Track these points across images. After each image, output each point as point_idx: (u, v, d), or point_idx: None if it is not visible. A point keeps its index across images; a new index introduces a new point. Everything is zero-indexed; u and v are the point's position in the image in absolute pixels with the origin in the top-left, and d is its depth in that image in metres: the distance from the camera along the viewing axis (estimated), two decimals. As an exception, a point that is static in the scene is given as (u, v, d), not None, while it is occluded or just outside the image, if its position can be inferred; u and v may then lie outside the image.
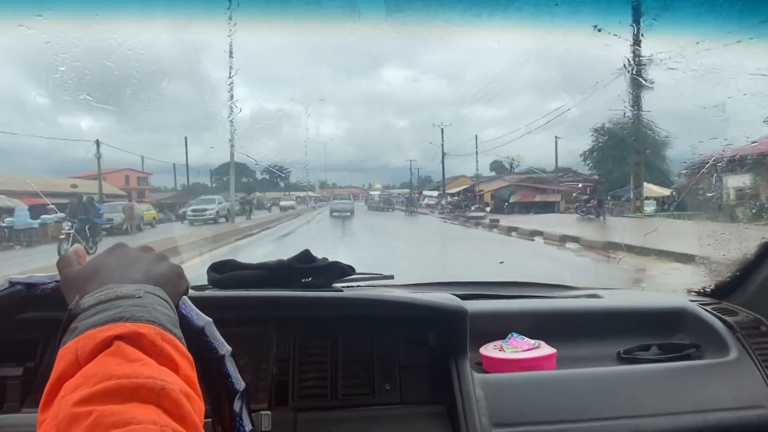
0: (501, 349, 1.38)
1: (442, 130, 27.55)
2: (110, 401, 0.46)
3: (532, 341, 1.39)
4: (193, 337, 0.66)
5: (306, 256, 1.38)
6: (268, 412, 1.16)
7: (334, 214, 24.15)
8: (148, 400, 0.47)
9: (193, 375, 0.54)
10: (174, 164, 28.25)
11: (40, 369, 1.20)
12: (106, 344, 0.51)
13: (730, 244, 1.62)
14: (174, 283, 0.66)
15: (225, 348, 0.68)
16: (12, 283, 0.73)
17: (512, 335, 1.41)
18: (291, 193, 30.13)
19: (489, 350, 1.39)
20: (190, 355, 0.56)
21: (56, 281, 0.69)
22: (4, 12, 1.14)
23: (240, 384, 0.69)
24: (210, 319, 0.70)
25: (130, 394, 0.47)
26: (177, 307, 0.65)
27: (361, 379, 1.28)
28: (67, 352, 0.51)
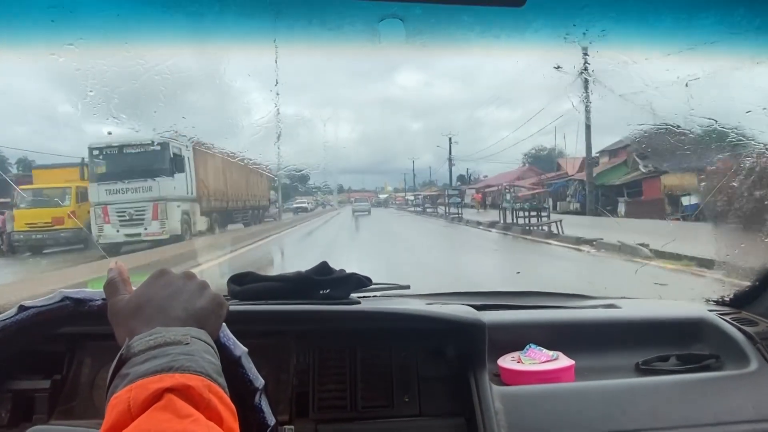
0: (519, 361, 1.38)
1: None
2: None
3: (551, 353, 1.39)
4: (230, 368, 0.68)
5: (324, 267, 1.40)
6: (291, 427, 1.18)
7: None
8: None
9: (236, 426, 0.57)
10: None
11: (66, 382, 1.23)
12: (157, 396, 0.52)
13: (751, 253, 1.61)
14: (216, 315, 0.68)
15: (259, 381, 0.70)
16: (63, 297, 0.76)
17: (530, 346, 1.41)
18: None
19: (507, 362, 1.39)
20: (232, 405, 0.58)
21: (103, 299, 0.71)
22: (37, 41, 1.18)
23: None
24: (246, 349, 0.72)
25: None
26: (217, 337, 0.67)
27: (380, 390, 1.30)
28: (119, 402, 0.53)
